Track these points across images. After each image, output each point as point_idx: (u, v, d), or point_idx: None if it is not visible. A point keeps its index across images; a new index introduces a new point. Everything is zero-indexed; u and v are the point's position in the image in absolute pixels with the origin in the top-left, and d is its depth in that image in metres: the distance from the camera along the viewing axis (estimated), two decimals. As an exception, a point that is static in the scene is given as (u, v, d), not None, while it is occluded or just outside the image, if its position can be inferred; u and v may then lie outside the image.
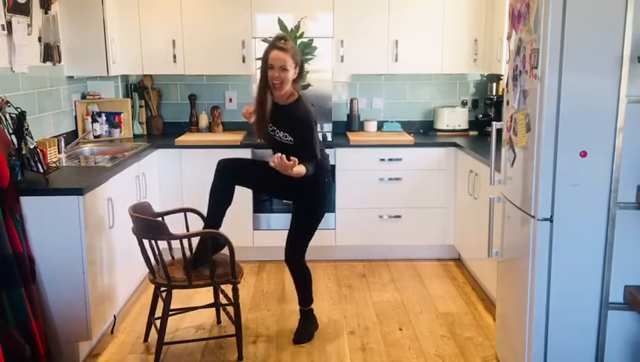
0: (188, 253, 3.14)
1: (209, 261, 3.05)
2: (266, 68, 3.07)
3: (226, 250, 3.12)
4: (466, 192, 4.15)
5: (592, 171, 2.46)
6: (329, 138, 4.68)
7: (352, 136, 4.68)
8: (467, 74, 5.02)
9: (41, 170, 3.07)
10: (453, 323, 3.60)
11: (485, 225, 3.13)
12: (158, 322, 3.12)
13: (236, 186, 3.30)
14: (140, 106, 4.92)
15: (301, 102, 3.15)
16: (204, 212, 3.30)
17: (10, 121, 2.98)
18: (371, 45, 4.63)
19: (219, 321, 3.60)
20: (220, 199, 3.25)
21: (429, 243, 4.67)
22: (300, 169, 3.00)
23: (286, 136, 3.15)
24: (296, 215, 3.33)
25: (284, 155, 2.91)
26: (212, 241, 3.06)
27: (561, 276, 2.54)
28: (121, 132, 4.71)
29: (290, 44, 3.09)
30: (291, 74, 3.07)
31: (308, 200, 3.26)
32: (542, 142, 2.47)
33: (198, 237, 3.15)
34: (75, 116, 4.49)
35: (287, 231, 3.34)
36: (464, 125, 4.96)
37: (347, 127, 4.96)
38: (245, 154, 4.43)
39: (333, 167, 4.45)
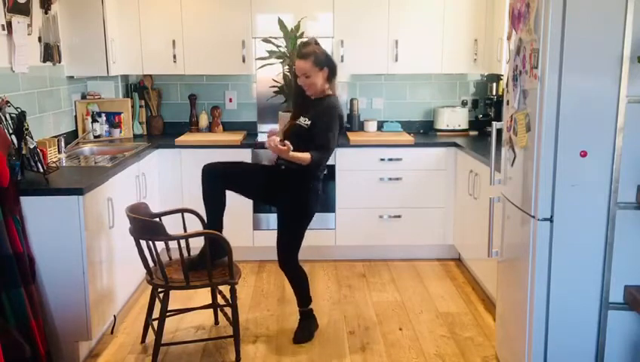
0: (185, 254, 3.13)
1: (208, 266, 3.04)
2: None
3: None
4: (466, 192, 4.15)
5: (592, 171, 2.46)
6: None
7: (352, 136, 4.68)
8: (467, 74, 5.02)
9: (41, 170, 3.07)
10: (453, 323, 3.60)
11: (485, 225, 3.13)
12: (155, 323, 3.11)
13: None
14: (140, 106, 4.92)
15: (333, 97, 3.25)
16: (202, 212, 3.31)
17: (10, 121, 2.98)
18: (371, 45, 4.63)
19: (216, 322, 3.59)
20: (213, 205, 3.26)
21: (429, 243, 4.67)
22: (302, 155, 3.08)
23: (305, 121, 3.21)
24: (280, 218, 3.34)
25: (277, 138, 3.07)
26: (213, 247, 3.04)
27: (561, 276, 2.54)
28: (121, 132, 4.71)
29: (310, 49, 3.18)
30: (316, 78, 3.17)
31: (292, 206, 3.27)
32: (542, 142, 2.47)
33: (196, 238, 3.13)
34: (75, 116, 4.49)
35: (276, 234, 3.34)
36: (464, 125, 4.96)
37: (347, 127, 4.96)
38: (245, 154, 4.43)
39: (333, 166, 4.46)
